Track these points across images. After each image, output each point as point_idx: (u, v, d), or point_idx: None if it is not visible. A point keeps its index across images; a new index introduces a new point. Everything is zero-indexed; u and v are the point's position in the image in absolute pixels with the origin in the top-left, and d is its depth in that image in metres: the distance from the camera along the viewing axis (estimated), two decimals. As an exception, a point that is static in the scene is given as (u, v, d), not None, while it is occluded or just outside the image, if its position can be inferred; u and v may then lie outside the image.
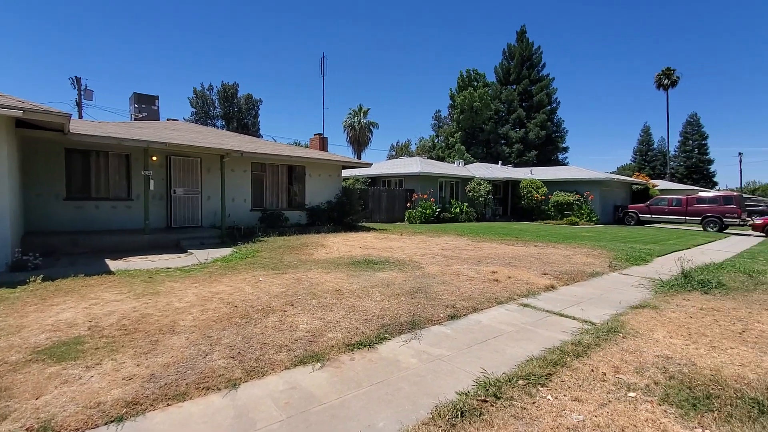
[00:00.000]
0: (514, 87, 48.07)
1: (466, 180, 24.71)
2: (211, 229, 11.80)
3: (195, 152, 11.70)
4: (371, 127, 47.96)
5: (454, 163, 33.21)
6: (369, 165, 19.77)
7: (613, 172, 39.01)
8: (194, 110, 49.60)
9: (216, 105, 50.68)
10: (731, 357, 3.65)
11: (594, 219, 23.10)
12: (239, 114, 51.01)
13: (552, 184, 25.19)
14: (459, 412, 2.60)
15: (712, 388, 3.01)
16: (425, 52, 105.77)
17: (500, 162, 35.80)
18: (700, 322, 4.66)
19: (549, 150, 47.27)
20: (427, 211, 20.76)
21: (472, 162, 36.04)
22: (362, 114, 47.08)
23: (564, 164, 45.47)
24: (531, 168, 32.95)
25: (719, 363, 3.50)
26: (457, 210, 22.41)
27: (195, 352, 3.57)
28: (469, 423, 2.52)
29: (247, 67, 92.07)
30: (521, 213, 25.81)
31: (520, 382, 3.07)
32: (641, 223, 23.19)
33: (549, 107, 47.14)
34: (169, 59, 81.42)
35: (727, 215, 19.88)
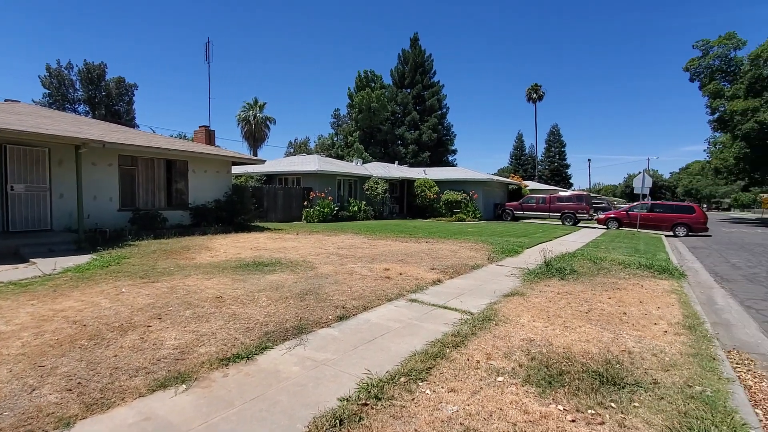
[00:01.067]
0: (409, 91, 50.36)
1: (364, 179, 25.06)
2: (66, 233, 9.92)
3: (40, 141, 9.69)
4: (268, 123, 45.78)
5: (352, 161, 33.47)
6: (262, 162, 18.78)
7: (494, 174, 43.38)
8: (48, 92, 41.60)
9: (77, 87, 43.18)
10: (579, 334, 4.20)
11: (478, 216, 25.37)
12: (108, 99, 44.29)
13: (443, 184, 26.98)
14: (338, 421, 2.49)
15: (564, 365, 3.40)
16: (323, 44, 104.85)
17: (396, 162, 37.15)
18: (557, 305, 5.32)
19: (440, 152, 50.62)
20: (325, 210, 20.52)
21: (371, 161, 36.77)
22: (258, 108, 44.64)
23: (453, 165, 49.19)
24: (425, 168, 34.88)
25: (570, 341, 4.00)
26: (356, 208, 22.60)
27: (18, 388, 2.85)
28: (348, 431, 2.42)
29: (120, 48, 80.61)
30: (416, 211, 27.13)
31: (402, 379, 3.08)
32: (516, 218, 26.22)
33: (440, 111, 50.47)
34: (12, 27, 66.99)
35: (579, 211, 23.59)
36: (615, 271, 7.93)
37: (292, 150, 60.22)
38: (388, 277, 6.82)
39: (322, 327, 4.37)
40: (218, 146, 21.15)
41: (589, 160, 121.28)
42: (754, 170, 34.94)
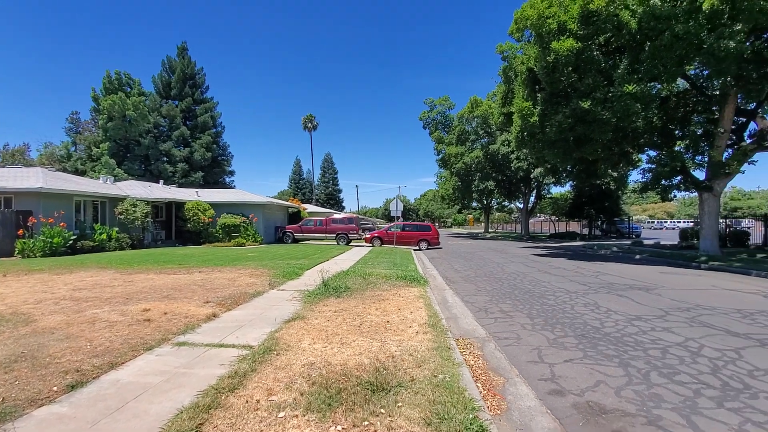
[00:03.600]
0: (177, 103, 45.22)
1: (117, 200, 20.65)
2: None
3: None
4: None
5: (99, 179, 27.13)
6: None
7: (274, 197, 43.50)
8: None
9: None
10: (354, 349, 4.54)
11: (259, 239, 24.73)
12: None
13: (220, 207, 25.10)
14: None
15: (342, 382, 3.57)
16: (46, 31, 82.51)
17: (162, 181, 32.36)
18: (334, 323, 5.64)
19: (216, 172, 47.23)
20: (55, 240, 15.71)
21: (126, 179, 30.75)
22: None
23: (231, 187, 46.66)
24: (197, 189, 31.69)
25: (346, 357, 4.26)
26: (104, 236, 18.25)
27: None
28: None
29: None
30: (188, 236, 24.17)
31: (164, 448, 2.54)
32: (296, 241, 26.91)
33: (214, 130, 47.31)
34: None
35: (351, 232, 26.27)
36: (380, 284, 9.11)
37: (-2, 159, 43.89)
38: (149, 320, 5.69)
39: (42, 405, 3.19)
40: None
41: (357, 186, 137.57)
42: (463, 198, 47.44)
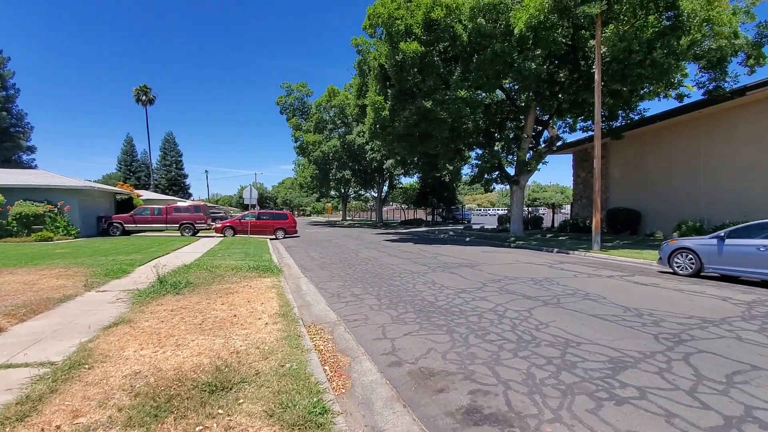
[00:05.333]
0: (-66, 49, 33.26)
1: None
2: None
3: None
4: None
5: None
6: None
7: (98, 181, 36.19)
8: None
9: None
10: (192, 349, 4.14)
11: (73, 232, 20.28)
12: None
13: (13, 192, 19.62)
14: None
15: (175, 388, 3.22)
16: None
17: None
18: (170, 324, 5.04)
19: (6, 147, 36.72)
20: None
21: None
22: None
23: (31, 167, 36.99)
24: (-27, 169, 24.04)
25: (182, 359, 3.86)
26: None
27: None
28: None
29: None
30: (-44, 231, 18.19)
31: None
32: (127, 233, 23.00)
33: (4, 93, 36.53)
34: None
35: (197, 222, 23.77)
36: (229, 276, 8.51)
37: None
38: None
39: None
40: None
41: (206, 171, 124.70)
42: (322, 186, 47.76)
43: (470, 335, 5.05)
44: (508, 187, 22.84)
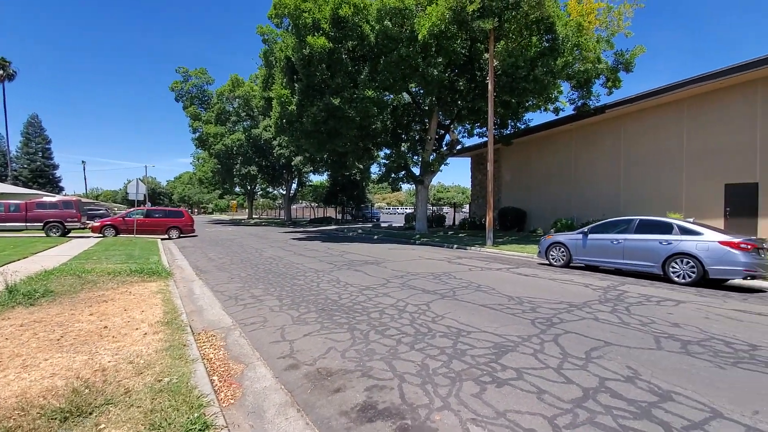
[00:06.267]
0: None
1: None
2: None
3: None
4: None
5: None
6: None
7: None
8: None
9: None
10: (44, 370, 3.48)
11: None
12: None
13: None
14: None
15: (15, 419, 2.66)
16: None
17: None
18: (18, 341, 4.19)
19: None
20: None
21: None
22: None
23: None
24: None
25: (29, 383, 3.22)
26: None
27: None
28: None
29: None
30: None
31: None
32: (-32, 234, 18.77)
33: None
34: None
35: (68, 219, 20.40)
36: (103, 282, 7.42)
37: None
38: None
39: None
40: None
41: (83, 162, 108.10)
42: (225, 182, 44.70)
43: (371, 332, 5.10)
44: (413, 186, 23.86)
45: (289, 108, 18.41)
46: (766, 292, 7.95)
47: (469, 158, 30.58)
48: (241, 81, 37.98)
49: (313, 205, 56.17)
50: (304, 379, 3.75)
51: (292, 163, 36.35)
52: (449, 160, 24.03)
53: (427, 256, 13.13)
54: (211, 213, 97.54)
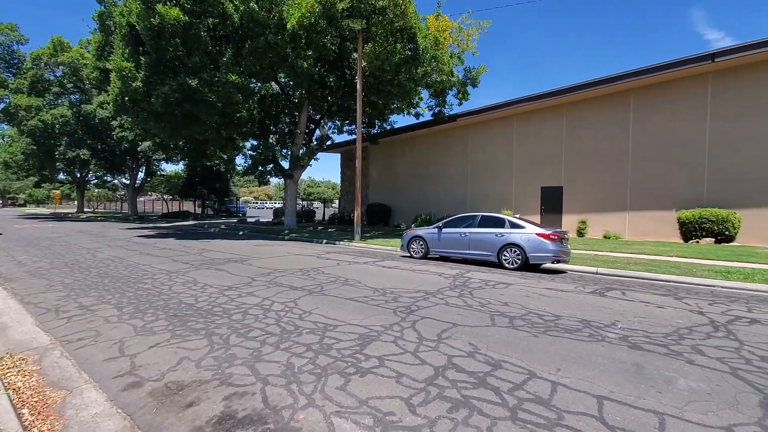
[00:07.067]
0: None
1: None
2: None
3: None
4: None
5: None
6: None
7: None
8: None
9: None
10: None
11: None
12: None
13: None
14: None
15: None
16: None
17: None
18: None
19: None
20: None
21: None
22: None
23: None
24: None
25: None
26: None
27: None
28: None
29: None
30: None
31: None
32: None
33: None
34: None
35: None
36: None
37: None
38: None
39: None
40: None
41: None
42: (43, 167, 36.20)
43: (232, 335, 4.78)
44: (282, 180, 23.11)
45: (134, 84, 15.81)
46: (566, 273, 10.12)
47: (339, 154, 31.09)
48: (66, 45, 31.10)
49: (166, 197, 49.56)
50: (148, 398, 3.30)
51: (139, 149, 31.36)
52: (319, 155, 24.03)
53: (296, 252, 12.91)
54: (24, 205, 77.91)
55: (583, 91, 16.87)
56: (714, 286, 8.19)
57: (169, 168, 44.79)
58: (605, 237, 16.57)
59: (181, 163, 37.50)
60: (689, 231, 14.31)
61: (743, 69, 13.85)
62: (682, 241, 14.61)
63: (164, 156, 32.48)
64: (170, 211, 43.53)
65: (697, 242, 14.03)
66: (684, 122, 15.12)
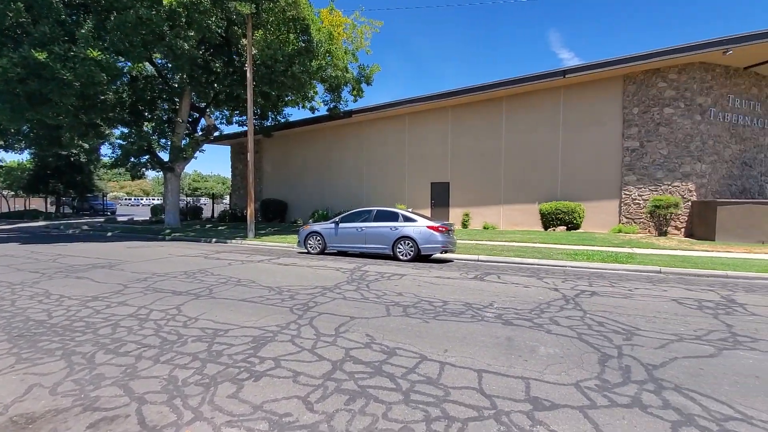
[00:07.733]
0: None
1: None
2: None
3: None
4: None
5: None
6: None
7: None
8: None
9: None
10: None
11: None
12: None
13: None
14: None
15: None
16: None
17: None
18: None
19: None
20: None
21: None
22: None
23: None
24: None
25: None
26: None
27: None
28: None
29: None
30: None
31: None
32: None
33: None
34: None
35: None
36: None
37: None
38: None
39: None
40: None
41: None
42: None
43: (98, 352, 4.15)
44: (163, 174, 20.69)
45: (-50, 52, 12.48)
46: (452, 261, 11.06)
47: (229, 147, 29.04)
48: None
49: (6, 193, 40.41)
50: (-18, 440, 2.70)
51: (-41, 133, 24.83)
52: (206, 147, 22.09)
53: (180, 253, 11.73)
54: None
55: (464, 95, 18.51)
56: (566, 266, 9.79)
57: (9, 158, 36.45)
58: (485, 228, 18.53)
59: (27, 152, 30.96)
60: (548, 220, 16.81)
61: (587, 85, 16.71)
62: (543, 230, 17.10)
63: (3, 143, 26.36)
64: (13, 210, 35.66)
65: (554, 230, 16.57)
66: (543, 128, 17.66)
